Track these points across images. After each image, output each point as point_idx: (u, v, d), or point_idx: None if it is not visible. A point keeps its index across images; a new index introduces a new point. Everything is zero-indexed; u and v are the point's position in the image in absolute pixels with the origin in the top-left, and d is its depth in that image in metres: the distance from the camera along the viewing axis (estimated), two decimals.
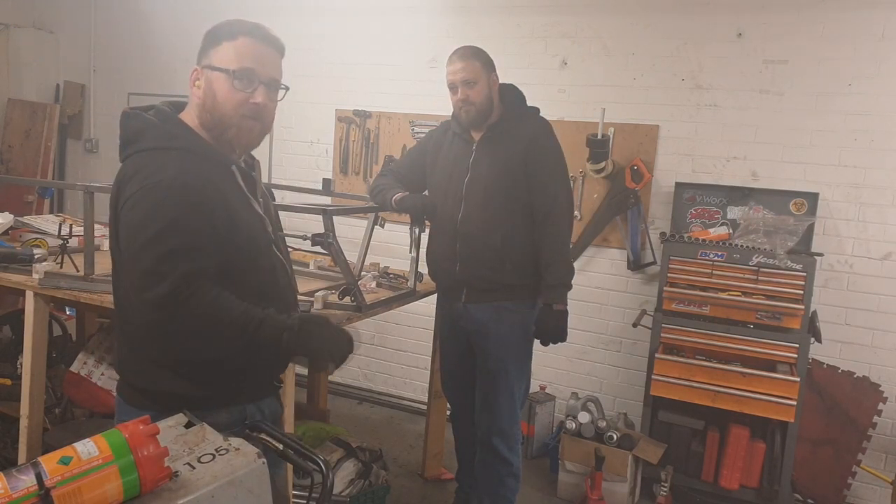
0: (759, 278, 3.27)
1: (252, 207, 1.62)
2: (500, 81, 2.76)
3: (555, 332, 2.66)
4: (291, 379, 2.28)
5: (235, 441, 1.24)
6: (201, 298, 1.42)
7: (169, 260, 1.40)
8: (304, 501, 2.62)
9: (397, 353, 4.61)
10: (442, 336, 3.08)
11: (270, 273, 1.65)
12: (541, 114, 2.82)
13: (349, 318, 2.53)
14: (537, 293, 2.76)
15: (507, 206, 2.66)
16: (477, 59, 2.66)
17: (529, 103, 2.82)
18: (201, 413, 1.45)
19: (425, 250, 2.91)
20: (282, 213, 2.37)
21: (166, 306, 1.39)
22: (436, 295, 3.06)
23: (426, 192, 2.92)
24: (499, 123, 2.71)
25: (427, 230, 2.88)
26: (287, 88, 1.64)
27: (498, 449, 2.80)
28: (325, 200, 4.11)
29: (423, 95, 4.31)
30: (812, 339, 3.22)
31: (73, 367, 2.95)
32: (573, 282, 2.72)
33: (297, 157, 4.76)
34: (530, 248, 2.71)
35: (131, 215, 1.45)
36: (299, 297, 2.51)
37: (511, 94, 2.77)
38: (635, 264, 3.87)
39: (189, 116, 1.60)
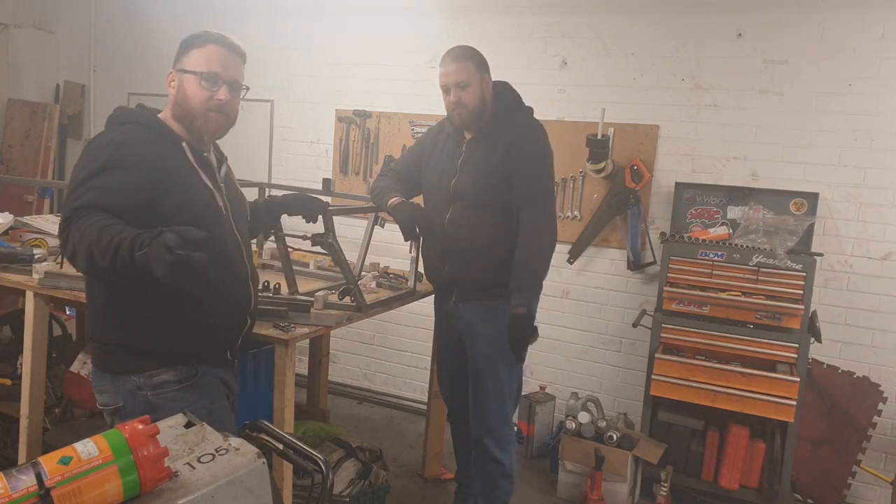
0: (759, 278, 3.27)
1: (199, 179, 1.81)
2: (500, 80, 2.72)
3: (514, 338, 2.54)
4: (291, 379, 2.28)
5: (235, 441, 1.24)
6: (86, 220, 1.54)
7: (82, 196, 1.59)
8: (304, 501, 2.62)
9: (397, 353, 4.61)
10: (438, 335, 3.07)
11: (218, 240, 1.78)
12: (537, 113, 2.76)
13: (349, 318, 2.53)
14: None
15: (492, 206, 2.63)
16: (470, 60, 2.60)
17: (529, 103, 2.76)
18: (150, 372, 1.74)
19: (422, 250, 2.89)
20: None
21: (63, 229, 1.57)
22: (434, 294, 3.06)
23: (422, 196, 2.91)
24: (487, 124, 2.66)
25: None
26: (247, 88, 1.91)
27: (489, 449, 2.77)
28: (325, 200, 4.11)
29: (423, 95, 4.30)
30: (812, 339, 3.22)
31: (73, 367, 2.95)
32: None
33: (297, 157, 4.76)
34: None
35: (74, 166, 1.70)
36: (300, 297, 2.53)
37: (502, 93, 2.71)
38: (635, 264, 3.87)
39: (164, 114, 1.86)
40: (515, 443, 2.94)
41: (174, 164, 1.76)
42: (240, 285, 1.90)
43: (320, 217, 2.42)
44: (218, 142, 1.96)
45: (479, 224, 2.64)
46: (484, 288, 2.70)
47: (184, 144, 1.81)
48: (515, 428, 3.02)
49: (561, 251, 3.98)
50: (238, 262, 1.89)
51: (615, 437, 3.36)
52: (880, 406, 3.35)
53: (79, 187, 1.61)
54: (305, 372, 3.80)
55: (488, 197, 2.63)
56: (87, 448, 1.05)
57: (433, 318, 3.28)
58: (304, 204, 2.34)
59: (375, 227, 2.92)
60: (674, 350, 3.42)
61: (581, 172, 3.94)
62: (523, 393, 3.16)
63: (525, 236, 2.57)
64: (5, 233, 3.14)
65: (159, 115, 1.85)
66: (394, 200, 2.75)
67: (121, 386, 1.76)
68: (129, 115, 1.81)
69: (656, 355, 3.35)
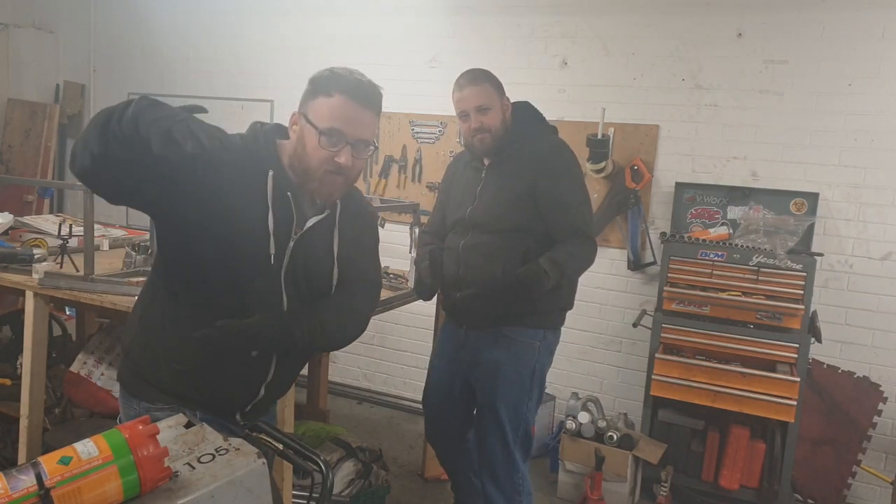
0: (759, 278, 3.27)
1: (261, 216, 1.55)
2: (520, 101, 2.57)
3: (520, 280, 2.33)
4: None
5: (235, 441, 1.24)
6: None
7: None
8: (305, 501, 2.62)
9: (397, 353, 4.61)
10: (436, 363, 2.82)
11: (256, 298, 1.56)
12: (546, 127, 2.60)
13: None
14: (543, 322, 2.54)
15: (512, 235, 2.43)
16: (488, 81, 2.44)
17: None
18: (150, 406, 1.59)
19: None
20: None
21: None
22: (435, 298, 3.00)
23: None
24: (507, 148, 2.47)
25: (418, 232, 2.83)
26: (376, 148, 1.66)
27: (493, 498, 2.56)
28: None
29: (423, 95, 4.31)
30: (812, 339, 3.22)
31: (73, 367, 2.95)
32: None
33: None
34: None
35: None
36: None
37: (522, 114, 2.54)
38: (635, 264, 3.87)
39: (284, 148, 1.62)
40: (530, 493, 2.62)
41: (239, 181, 1.52)
42: (258, 354, 1.63)
43: None
44: None
45: (494, 250, 2.44)
46: (495, 316, 2.50)
47: (271, 174, 1.57)
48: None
49: None
50: (271, 320, 1.58)
51: (615, 437, 3.36)
52: (880, 406, 3.35)
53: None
54: (305, 372, 3.80)
55: (506, 223, 2.44)
56: (87, 448, 1.05)
57: (433, 318, 3.28)
58: None
59: None
60: (674, 350, 3.42)
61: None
62: None
63: (562, 251, 2.38)
64: (5, 233, 3.14)
65: (280, 146, 1.62)
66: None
67: (127, 408, 1.67)
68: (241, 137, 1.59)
69: (656, 355, 3.35)
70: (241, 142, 1.58)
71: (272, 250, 1.56)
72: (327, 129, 1.53)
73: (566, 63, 3.99)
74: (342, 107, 1.55)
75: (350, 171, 1.58)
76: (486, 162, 2.53)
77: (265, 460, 1.22)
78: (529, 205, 2.42)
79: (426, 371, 2.84)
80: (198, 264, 1.53)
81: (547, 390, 4.03)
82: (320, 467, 1.41)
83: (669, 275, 3.43)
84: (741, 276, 3.30)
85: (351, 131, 1.55)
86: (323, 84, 1.58)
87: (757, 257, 3.28)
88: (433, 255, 2.57)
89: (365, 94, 1.59)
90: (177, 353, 1.59)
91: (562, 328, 2.66)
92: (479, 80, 2.44)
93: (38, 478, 0.99)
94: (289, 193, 1.58)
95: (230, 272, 1.54)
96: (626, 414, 3.82)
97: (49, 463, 1.02)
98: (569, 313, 2.64)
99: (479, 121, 2.42)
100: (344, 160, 1.54)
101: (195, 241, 1.52)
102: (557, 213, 2.42)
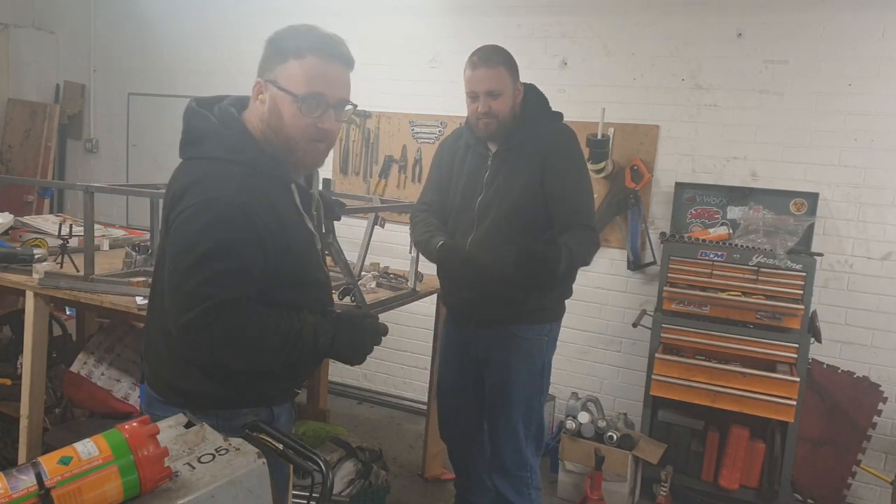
0: (759, 278, 3.27)
1: (304, 225, 1.58)
2: (526, 82, 2.48)
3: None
4: None
5: (235, 441, 1.24)
6: (230, 324, 1.40)
7: (211, 284, 1.38)
8: (305, 501, 2.62)
9: (397, 353, 4.61)
10: (445, 360, 2.78)
11: (315, 288, 1.65)
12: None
13: None
14: (548, 316, 2.52)
15: (522, 228, 2.35)
16: (504, 65, 2.34)
17: None
18: (228, 412, 1.55)
19: (436, 269, 2.62)
20: None
21: (195, 330, 1.40)
22: (436, 297, 3.01)
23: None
24: (515, 135, 2.40)
25: None
26: (355, 105, 1.54)
27: (502, 491, 2.56)
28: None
29: (423, 95, 4.31)
30: (812, 339, 3.22)
31: (73, 367, 2.95)
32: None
33: None
34: None
35: (185, 228, 1.41)
36: None
37: (529, 98, 2.46)
38: (635, 264, 3.87)
39: (252, 124, 1.52)
40: (539, 488, 2.63)
41: (285, 215, 1.50)
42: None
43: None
44: None
45: (505, 248, 2.28)
46: (505, 315, 2.46)
47: (293, 187, 1.55)
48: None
49: None
50: (328, 301, 1.72)
51: (615, 437, 3.36)
52: (880, 406, 3.35)
53: (209, 262, 1.38)
54: None
55: (518, 217, 2.36)
56: (87, 448, 1.05)
57: (433, 318, 3.28)
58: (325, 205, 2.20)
59: (375, 227, 2.92)
60: (674, 350, 3.42)
61: None
62: None
63: (568, 241, 2.25)
64: (5, 233, 3.14)
65: (248, 126, 1.52)
66: (440, 242, 2.43)
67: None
68: (234, 152, 1.47)
69: (656, 355, 3.35)
70: (260, 180, 1.47)
71: (318, 246, 1.66)
72: (307, 94, 1.44)
73: (566, 63, 3.99)
74: (318, 67, 1.45)
75: (331, 137, 1.52)
76: (493, 149, 2.44)
77: (265, 460, 1.22)
78: (538, 198, 2.36)
79: (426, 371, 2.84)
80: (272, 293, 1.52)
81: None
82: (320, 467, 1.41)
83: (669, 275, 3.43)
84: (741, 276, 3.30)
85: (332, 94, 1.46)
86: (291, 46, 1.47)
87: (757, 257, 3.27)
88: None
89: (337, 50, 1.49)
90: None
91: (562, 327, 2.64)
92: (494, 62, 2.33)
93: (38, 478, 0.99)
94: (311, 190, 1.64)
95: (303, 285, 1.60)
96: (625, 414, 3.82)
97: (49, 463, 1.02)
98: (568, 313, 2.63)
99: (487, 105, 2.34)
100: (329, 125, 1.47)
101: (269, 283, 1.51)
102: (564, 204, 2.35)
